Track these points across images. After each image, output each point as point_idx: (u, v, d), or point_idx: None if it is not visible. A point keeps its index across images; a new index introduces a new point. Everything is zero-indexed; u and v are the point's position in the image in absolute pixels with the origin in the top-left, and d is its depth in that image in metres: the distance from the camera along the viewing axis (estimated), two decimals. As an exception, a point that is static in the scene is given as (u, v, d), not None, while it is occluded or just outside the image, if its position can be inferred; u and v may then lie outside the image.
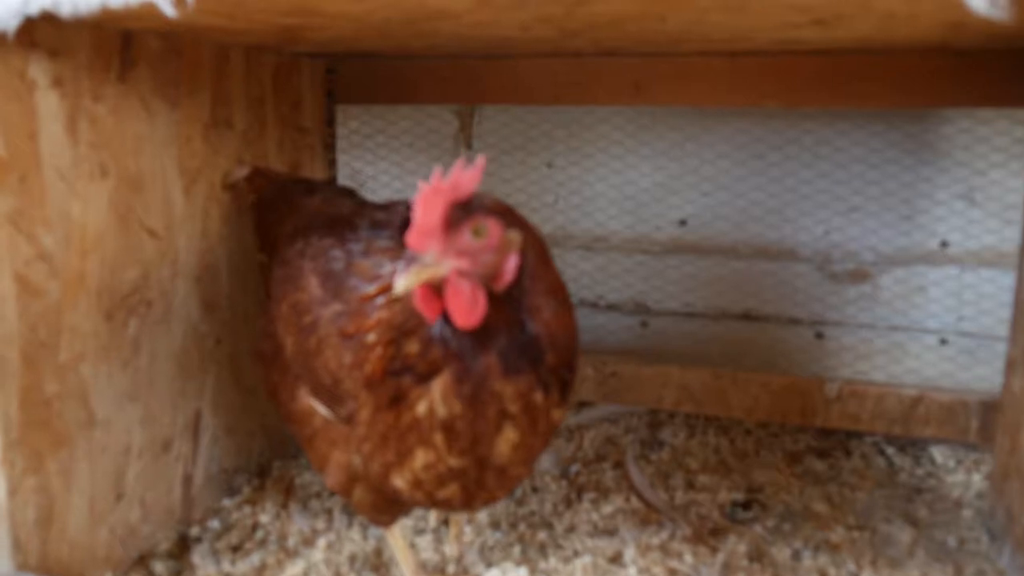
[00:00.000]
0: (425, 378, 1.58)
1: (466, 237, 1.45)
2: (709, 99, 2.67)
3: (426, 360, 1.58)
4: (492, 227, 1.47)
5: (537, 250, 1.58)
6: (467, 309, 1.48)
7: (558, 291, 1.61)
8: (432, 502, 1.74)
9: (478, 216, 1.45)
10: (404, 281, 1.41)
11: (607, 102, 2.75)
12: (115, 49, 1.98)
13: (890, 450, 2.90)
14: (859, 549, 2.30)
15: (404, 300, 1.61)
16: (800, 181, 3.01)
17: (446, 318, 1.52)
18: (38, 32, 1.75)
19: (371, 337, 1.68)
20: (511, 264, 1.51)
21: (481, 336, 1.52)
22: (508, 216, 1.53)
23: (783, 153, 3.00)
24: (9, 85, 1.71)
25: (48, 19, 1.63)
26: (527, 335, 1.54)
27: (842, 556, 2.26)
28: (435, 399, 1.57)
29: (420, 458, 1.64)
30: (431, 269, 1.43)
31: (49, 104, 1.82)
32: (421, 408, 1.59)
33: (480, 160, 1.50)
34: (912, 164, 2.86)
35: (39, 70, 1.78)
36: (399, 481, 1.71)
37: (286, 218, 2.23)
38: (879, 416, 2.80)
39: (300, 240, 2.03)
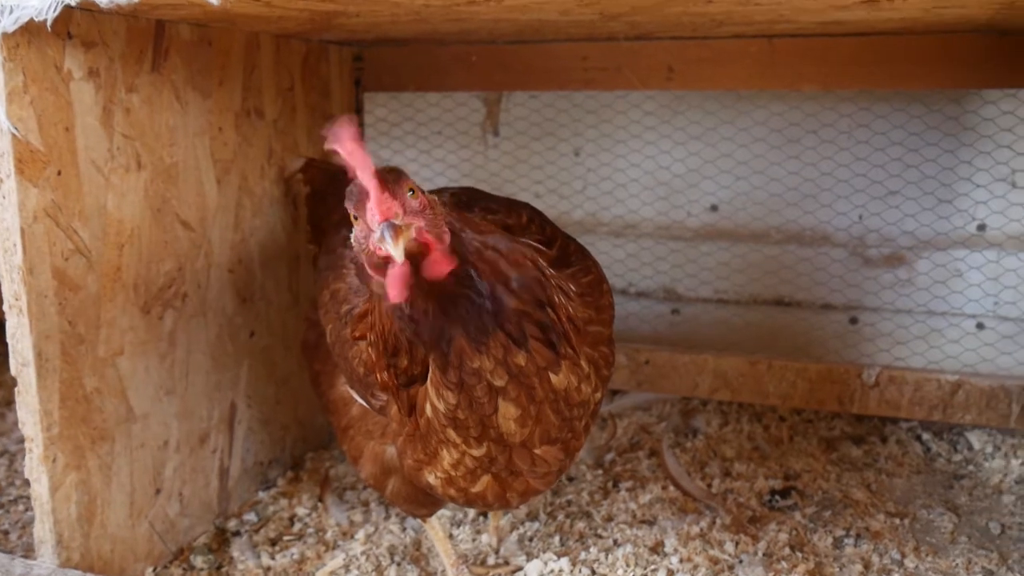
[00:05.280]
0: (425, 377, 1.55)
1: (407, 198, 1.34)
2: (745, 82, 2.62)
3: (418, 361, 1.54)
4: (415, 186, 1.37)
5: (449, 203, 1.51)
6: (442, 258, 1.37)
7: (487, 231, 1.50)
8: (467, 499, 1.72)
9: (404, 178, 1.36)
10: (398, 247, 1.27)
11: (640, 86, 2.70)
12: (148, 39, 1.95)
13: (926, 436, 2.86)
14: (901, 536, 2.27)
15: (376, 315, 1.56)
16: (835, 165, 2.95)
17: (409, 307, 1.43)
18: (74, 23, 1.73)
19: (368, 349, 1.65)
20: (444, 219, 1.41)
21: (446, 306, 1.42)
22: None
23: (818, 137, 2.94)
24: (46, 76, 1.69)
25: (84, 9, 1.60)
26: (480, 285, 1.42)
27: (884, 544, 2.23)
28: (432, 396, 1.54)
29: (446, 457, 1.63)
30: (407, 231, 1.31)
31: (84, 95, 1.79)
32: (428, 410, 1.57)
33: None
34: (952, 147, 2.81)
35: (74, 61, 1.75)
36: (431, 478, 1.70)
37: (335, 208, 2.20)
38: (918, 403, 2.76)
39: (345, 229, 1.99)
